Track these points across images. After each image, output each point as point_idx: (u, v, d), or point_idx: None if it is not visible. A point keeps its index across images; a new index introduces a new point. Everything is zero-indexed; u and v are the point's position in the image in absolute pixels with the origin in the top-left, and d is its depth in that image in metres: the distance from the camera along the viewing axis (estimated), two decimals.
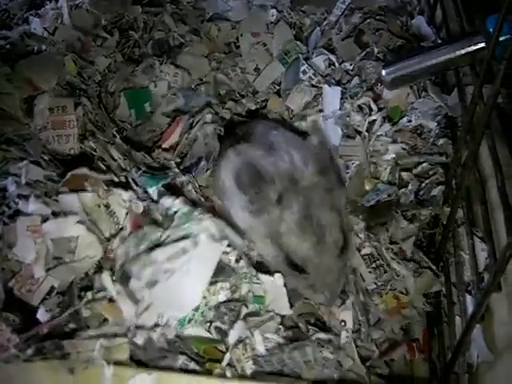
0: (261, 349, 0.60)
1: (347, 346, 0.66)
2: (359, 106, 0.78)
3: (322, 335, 0.65)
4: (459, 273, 0.66)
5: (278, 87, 0.86)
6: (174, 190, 0.67)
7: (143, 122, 0.81)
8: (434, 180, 0.75)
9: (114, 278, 0.60)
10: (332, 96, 0.78)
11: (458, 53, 0.66)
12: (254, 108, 0.86)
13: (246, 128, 0.76)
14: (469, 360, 0.65)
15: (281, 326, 0.63)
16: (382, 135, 0.76)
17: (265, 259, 0.67)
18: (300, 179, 0.66)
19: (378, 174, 0.74)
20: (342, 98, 0.78)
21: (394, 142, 0.75)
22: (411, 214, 0.74)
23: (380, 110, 0.77)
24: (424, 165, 0.74)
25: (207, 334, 0.61)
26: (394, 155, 0.74)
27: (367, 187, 0.73)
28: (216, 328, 0.61)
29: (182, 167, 0.74)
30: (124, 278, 0.60)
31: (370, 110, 0.77)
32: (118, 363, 0.54)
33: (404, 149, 0.74)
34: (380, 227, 0.72)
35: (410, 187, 0.75)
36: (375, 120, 0.76)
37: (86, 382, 0.52)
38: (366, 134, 0.76)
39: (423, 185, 0.76)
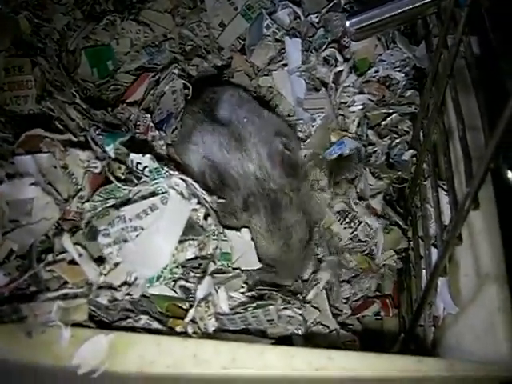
0: (224, 307, 0.59)
1: (317, 298, 0.67)
2: (324, 58, 0.75)
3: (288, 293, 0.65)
4: (425, 226, 0.66)
5: (243, 42, 0.83)
6: (141, 146, 0.65)
7: (106, 80, 0.79)
8: (404, 139, 0.74)
9: (78, 236, 0.59)
10: (293, 48, 0.76)
11: (423, 1, 0.64)
12: (219, 64, 0.84)
13: (212, 95, 0.76)
14: (435, 313, 0.65)
15: (245, 285, 0.62)
16: (348, 86, 0.74)
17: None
18: (267, 182, 0.67)
19: (345, 127, 0.73)
20: (307, 51, 0.76)
21: (361, 92, 0.73)
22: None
23: (346, 60, 0.75)
24: (393, 116, 0.73)
25: (172, 293, 0.60)
26: (361, 106, 0.73)
27: (333, 139, 0.72)
28: (181, 287, 0.60)
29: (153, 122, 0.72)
30: (91, 235, 0.58)
31: (336, 61, 0.75)
32: (76, 325, 0.53)
33: (371, 100, 0.73)
34: (346, 183, 0.71)
35: (380, 147, 0.74)
36: (341, 71, 0.74)
37: (43, 344, 0.51)
38: (333, 85, 0.74)
39: (394, 144, 0.75)
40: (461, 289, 0.61)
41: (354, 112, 0.73)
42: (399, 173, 0.74)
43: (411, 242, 0.72)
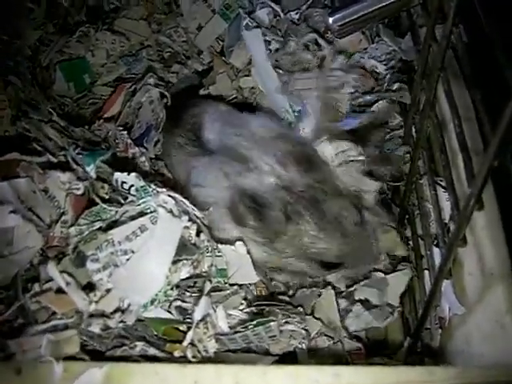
0: (224, 326, 0.57)
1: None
2: (305, 44, 0.74)
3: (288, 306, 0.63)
4: (425, 225, 0.64)
5: (222, 43, 0.81)
6: (124, 164, 0.63)
7: (84, 94, 0.76)
8: (396, 134, 0.72)
9: (65, 263, 0.56)
10: (253, 39, 0.75)
11: None
12: (200, 69, 0.81)
13: (193, 120, 0.72)
14: (441, 314, 0.63)
15: (244, 302, 0.60)
16: (335, 69, 0.73)
17: (298, 275, 0.66)
18: (293, 186, 0.63)
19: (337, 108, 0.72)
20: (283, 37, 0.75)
21: (349, 73, 0.72)
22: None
23: (330, 43, 0.74)
24: (381, 102, 0.71)
25: (168, 315, 0.58)
26: (352, 89, 0.71)
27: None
28: (177, 307, 0.58)
29: (132, 138, 0.69)
30: (79, 261, 0.55)
31: (319, 46, 0.74)
32: (68, 358, 0.51)
33: (359, 86, 0.71)
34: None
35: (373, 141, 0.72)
36: (325, 56, 0.72)
37: (34, 382, 0.49)
38: (317, 71, 0.73)
39: (387, 138, 0.73)
40: (466, 288, 0.59)
41: (344, 94, 0.71)
42: (389, 167, 0.72)
43: (410, 242, 0.70)
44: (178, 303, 0.58)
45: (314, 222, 0.62)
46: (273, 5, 0.78)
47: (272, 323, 0.58)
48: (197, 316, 0.55)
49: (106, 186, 0.60)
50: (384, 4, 0.63)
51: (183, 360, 0.54)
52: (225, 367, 0.51)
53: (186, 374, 0.50)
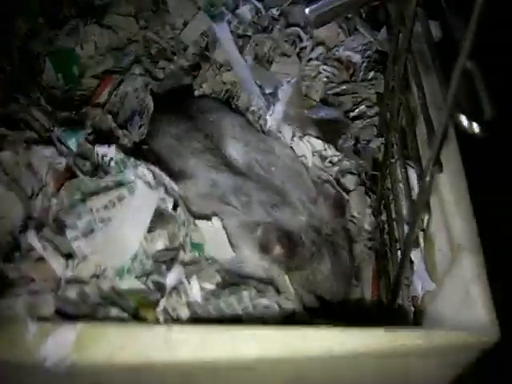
0: (197, 296, 0.58)
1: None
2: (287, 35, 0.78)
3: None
4: (397, 206, 0.66)
5: (206, 39, 0.83)
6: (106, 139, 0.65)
7: (73, 86, 0.79)
8: (371, 123, 0.75)
9: (45, 233, 0.57)
10: (222, 31, 0.79)
11: None
12: (186, 65, 0.84)
13: (211, 127, 0.73)
14: (413, 293, 0.64)
15: (217, 273, 0.61)
16: (312, 59, 0.76)
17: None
18: (322, 228, 0.67)
19: (310, 96, 0.75)
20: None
21: (325, 64, 0.75)
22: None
23: (309, 36, 0.77)
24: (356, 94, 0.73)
25: (143, 287, 0.59)
26: (325, 79, 0.74)
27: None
28: (153, 282, 0.59)
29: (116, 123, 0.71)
30: (58, 229, 0.57)
31: (300, 38, 0.77)
32: (43, 319, 0.52)
33: (334, 75, 0.73)
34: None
35: (350, 131, 0.74)
36: (305, 47, 0.76)
37: (8, 339, 0.50)
38: (297, 59, 0.76)
39: (362, 127, 0.75)
40: (436, 264, 0.60)
41: (318, 83, 0.74)
42: (362, 161, 0.74)
43: (386, 227, 0.71)
44: (155, 277, 0.59)
45: (330, 265, 0.66)
46: (255, 2, 0.81)
47: (244, 292, 0.59)
48: (169, 281, 0.56)
49: (88, 163, 0.62)
50: None
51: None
52: (194, 327, 0.51)
53: (156, 333, 0.51)
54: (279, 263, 0.64)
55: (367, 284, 0.74)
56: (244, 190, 0.67)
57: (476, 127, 0.38)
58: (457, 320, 0.54)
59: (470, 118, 0.38)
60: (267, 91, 0.76)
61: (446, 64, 0.49)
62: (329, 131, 0.74)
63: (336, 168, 0.73)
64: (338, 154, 0.72)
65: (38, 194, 0.60)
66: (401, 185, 0.66)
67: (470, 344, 0.51)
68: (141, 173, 0.59)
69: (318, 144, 0.72)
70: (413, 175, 0.62)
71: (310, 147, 0.72)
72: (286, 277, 0.64)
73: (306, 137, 0.72)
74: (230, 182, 0.67)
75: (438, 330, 0.52)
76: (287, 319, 0.62)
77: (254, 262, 0.65)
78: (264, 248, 0.64)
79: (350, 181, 0.73)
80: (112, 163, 0.60)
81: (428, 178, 0.49)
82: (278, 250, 0.63)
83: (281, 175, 0.69)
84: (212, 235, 0.62)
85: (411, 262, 0.63)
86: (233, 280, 0.62)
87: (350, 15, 0.78)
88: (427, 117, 0.52)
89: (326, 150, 0.72)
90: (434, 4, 0.52)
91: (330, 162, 0.73)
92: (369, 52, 0.76)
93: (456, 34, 0.41)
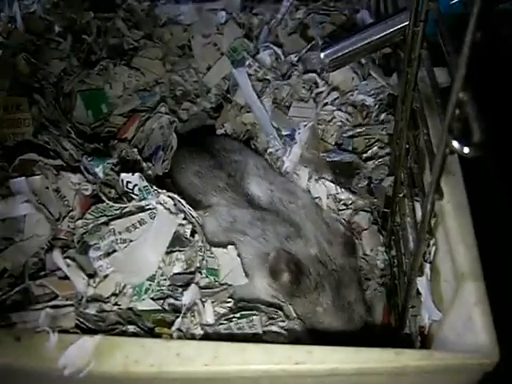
0: (210, 318, 0.61)
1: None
2: (304, 81, 0.82)
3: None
4: (405, 239, 0.68)
5: (228, 83, 0.88)
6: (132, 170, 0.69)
7: (101, 123, 0.84)
8: (383, 162, 0.78)
9: (69, 253, 0.61)
10: (240, 76, 0.83)
11: (388, 30, 0.69)
12: (208, 107, 0.89)
13: (234, 166, 0.77)
14: (420, 323, 0.66)
15: (231, 299, 0.64)
16: (327, 103, 0.79)
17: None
18: (329, 263, 0.69)
19: (325, 139, 0.78)
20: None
21: (339, 110, 0.79)
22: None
23: (326, 82, 0.81)
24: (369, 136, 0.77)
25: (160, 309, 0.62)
26: (340, 123, 0.78)
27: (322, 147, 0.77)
28: (170, 304, 0.62)
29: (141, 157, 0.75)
30: (82, 250, 0.62)
31: (316, 84, 0.82)
32: (64, 331, 0.56)
33: (348, 120, 0.77)
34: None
35: (363, 171, 0.78)
36: (322, 92, 0.80)
37: (31, 348, 0.53)
38: (313, 104, 0.80)
39: (374, 167, 0.78)
40: (442, 294, 0.63)
41: (333, 126, 0.78)
42: (376, 200, 0.77)
43: (395, 261, 0.74)
44: (172, 300, 0.62)
45: (331, 299, 0.67)
46: (275, 48, 0.86)
47: (254, 317, 0.62)
48: (185, 300, 0.60)
49: (113, 190, 0.67)
50: (369, 40, 0.71)
51: None
52: (206, 343, 0.55)
53: (169, 347, 0.54)
54: (285, 290, 0.67)
55: (378, 319, 0.76)
56: (261, 222, 0.70)
57: (466, 150, 0.41)
58: (459, 344, 0.56)
59: (462, 143, 0.42)
60: (284, 134, 0.80)
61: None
62: (343, 172, 0.77)
63: (349, 210, 0.76)
64: (351, 197, 0.76)
65: (64, 217, 0.64)
66: (409, 219, 0.68)
67: (470, 365, 0.52)
68: (162, 199, 0.63)
69: (333, 188, 0.76)
70: (420, 209, 0.65)
71: (325, 190, 0.76)
72: (291, 307, 0.67)
73: (322, 180, 0.76)
74: (249, 216, 0.71)
75: (440, 352, 0.54)
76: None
77: (264, 289, 0.67)
78: (273, 273, 0.66)
79: (363, 218, 0.76)
80: (136, 190, 0.64)
81: (429, 205, 0.52)
82: (285, 275, 0.66)
83: (299, 212, 0.72)
84: (227, 262, 0.65)
85: (418, 293, 0.65)
86: (244, 305, 0.64)
87: (363, 61, 0.82)
88: (430, 150, 0.55)
89: (339, 193, 0.76)
90: (440, 51, 0.56)
91: (344, 204, 0.76)
92: (381, 95, 0.80)
93: (452, 70, 0.45)
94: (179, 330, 0.59)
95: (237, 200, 0.73)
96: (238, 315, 0.62)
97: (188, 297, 0.60)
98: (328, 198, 0.76)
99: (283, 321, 0.65)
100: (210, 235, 0.68)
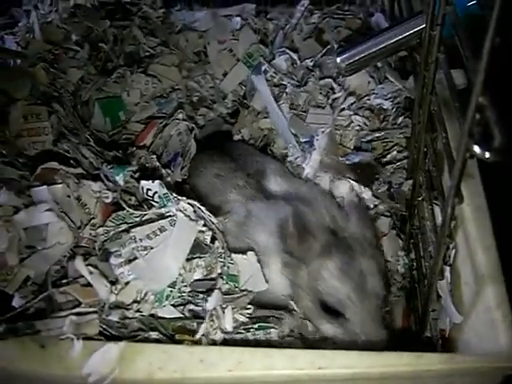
0: (228, 326, 0.61)
1: None
2: (320, 87, 0.82)
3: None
4: (424, 242, 0.68)
5: (244, 88, 0.89)
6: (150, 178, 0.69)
7: (119, 130, 0.84)
8: (401, 166, 0.78)
9: (91, 261, 0.62)
10: (259, 82, 0.84)
11: (404, 34, 0.69)
12: (225, 112, 0.89)
13: (256, 166, 0.78)
14: (441, 326, 0.66)
15: (250, 306, 0.64)
16: (344, 108, 0.80)
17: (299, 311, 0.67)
18: (340, 232, 0.68)
19: (344, 144, 0.79)
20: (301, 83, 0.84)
21: (357, 114, 0.79)
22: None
23: (342, 87, 0.82)
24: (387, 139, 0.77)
25: (180, 315, 0.62)
26: (358, 127, 0.78)
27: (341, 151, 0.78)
28: (190, 311, 0.62)
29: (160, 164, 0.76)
30: (104, 257, 0.62)
31: (333, 89, 0.82)
32: (88, 338, 0.56)
33: (366, 124, 0.78)
34: None
35: (382, 176, 0.78)
36: (338, 97, 0.80)
37: (56, 355, 0.54)
38: (330, 110, 0.80)
39: (392, 171, 0.78)
40: (463, 297, 0.63)
41: (351, 131, 0.78)
42: (398, 205, 0.77)
43: (414, 263, 0.74)
44: (192, 307, 0.63)
45: (338, 262, 0.65)
46: (291, 53, 0.87)
47: (272, 330, 0.62)
48: (209, 306, 0.60)
49: (133, 198, 0.67)
50: (385, 44, 0.71)
51: None
52: (229, 348, 0.55)
53: (192, 353, 0.55)
54: (291, 253, 0.66)
55: (398, 323, 0.76)
56: (275, 206, 0.70)
57: (487, 154, 0.41)
58: (481, 347, 0.57)
59: (483, 147, 0.42)
60: (303, 140, 0.81)
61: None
62: (363, 177, 0.78)
63: (372, 212, 0.76)
64: (374, 199, 0.76)
65: (86, 225, 0.65)
66: (428, 222, 0.69)
67: (491, 368, 0.53)
68: (182, 207, 0.64)
69: (356, 185, 0.76)
70: (439, 212, 0.65)
71: (348, 186, 0.75)
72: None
73: (345, 179, 0.76)
74: (264, 206, 0.71)
75: (462, 355, 0.54)
76: None
77: (275, 265, 0.67)
78: (282, 231, 0.66)
79: (384, 224, 0.76)
80: (156, 197, 0.64)
81: (449, 209, 0.52)
82: (292, 234, 0.65)
83: (313, 194, 0.72)
84: (247, 268, 0.66)
85: (439, 296, 0.65)
86: (262, 315, 0.64)
87: (379, 64, 0.82)
88: (449, 153, 0.55)
89: (362, 191, 0.76)
90: (457, 52, 0.56)
91: (367, 207, 0.77)
92: (398, 99, 0.80)
93: (471, 74, 0.45)
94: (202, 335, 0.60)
95: (254, 196, 0.73)
96: (256, 326, 0.62)
97: (212, 302, 0.60)
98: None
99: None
100: (226, 232, 0.68)
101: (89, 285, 0.61)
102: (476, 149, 0.43)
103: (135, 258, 0.61)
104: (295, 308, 0.67)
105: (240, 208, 0.72)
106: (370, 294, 0.64)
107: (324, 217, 0.69)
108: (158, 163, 0.74)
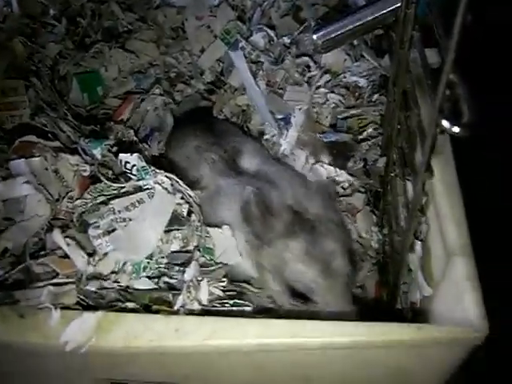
0: (204, 299, 0.62)
1: None
2: (297, 64, 0.83)
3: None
4: (397, 219, 0.70)
5: (222, 65, 0.89)
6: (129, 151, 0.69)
7: (97, 105, 0.84)
8: (376, 142, 0.79)
9: (69, 233, 0.63)
10: (237, 58, 0.85)
11: (380, 12, 0.70)
12: (202, 88, 0.90)
13: (234, 144, 0.78)
14: (412, 299, 0.68)
15: (225, 279, 0.65)
16: (320, 86, 0.81)
17: (267, 294, 0.68)
18: (305, 212, 0.68)
19: (320, 121, 0.80)
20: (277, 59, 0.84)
21: (332, 92, 0.80)
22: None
23: (318, 64, 0.83)
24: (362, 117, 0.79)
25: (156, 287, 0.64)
26: (333, 105, 0.79)
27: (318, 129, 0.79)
28: (165, 283, 0.64)
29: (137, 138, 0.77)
30: (82, 229, 0.63)
31: (309, 67, 0.83)
32: (65, 308, 0.57)
33: (342, 102, 0.79)
34: None
35: (358, 154, 0.79)
36: (315, 75, 0.81)
37: (34, 324, 0.55)
38: (307, 87, 0.81)
39: (367, 148, 0.80)
40: (433, 271, 0.64)
41: (327, 109, 0.79)
42: (372, 181, 0.78)
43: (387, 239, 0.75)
44: (167, 279, 0.64)
45: (303, 245, 0.65)
46: (268, 30, 0.87)
47: (246, 308, 0.63)
48: (187, 276, 0.61)
49: (110, 171, 0.68)
50: (362, 22, 0.72)
51: None
52: (204, 318, 0.57)
53: (168, 323, 0.56)
54: (255, 233, 0.66)
55: (371, 295, 0.77)
56: (243, 184, 0.70)
57: (456, 129, 0.43)
58: (450, 318, 0.58)
59: (452, 122, 0.43)
60: (279, 117, 0.82)
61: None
62: (340, 153, 0.79)
63: (347, 189, 0.77)
64: (350, 178, 0.77)
65: (63, 198, 0.65)
66: (400, 198, 0.70)
67: (460, 339, 0.54)
68: (160, 180, 0.65)
69: (332, 170, 0.77)
70: (411, 188, 0.67)
71: (324, 173, 0.77)
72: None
73: (320, 163, 0.77)
74: (233, 182, 0.72)
75: (431, 326, 0.56)
76: None
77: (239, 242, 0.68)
78: (247, 216, 0.66)
79: (358, 199, 0.77)
80: (134, 170, 0.65)
81: (420, 183, 0.53)
82: (255, 214, 0.65)
83: (280, 174, 0.73)
84: (222, 241, 0.67)
85: (410, 270, 0.67)
86: (238, 291, 0.66)
87: (355, 42, 0.83)
88: (421, 130, 0.56)
89: (338, 175, 0.77)
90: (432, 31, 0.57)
91: (342, 187, 0.78)
92: (374, 77, 0.81)
93: (443, 52, 0.46)
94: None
95: (225, 172, 0.74)
96: (231, 302, 0.63)
97: (190, 273, 0.61)
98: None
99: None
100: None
101: (66, 256, 0.62)
102: (445, 123, 0.44)
103: (114, 230, 0.62)
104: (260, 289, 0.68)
105: (211, 183, 0.72)
106: (337, 275, 0.65)
107: (288, 197, 0.69)
108: (135, 137, 0.75)
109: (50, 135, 0.70)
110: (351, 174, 0.77)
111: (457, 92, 0.45)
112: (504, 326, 0.58)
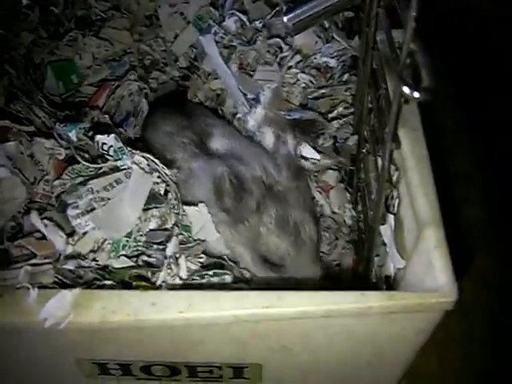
0: (183, 274, 0.63)
1: None
2: (269, 45, 0.85)
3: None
4: (370, 195, 0.71)
5: (195, 51, 0.90)
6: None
7: (72, 93, 0.85)
8: (347, 121, 0.81)
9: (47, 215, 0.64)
10: (207, 42, 0.86)
11: None
12: (177, 75, 0.90)
13: (204, 127, 0.79)
14: (386, 273, 0.69)
15: (203, 255, 0.67)
16: (292, 67, 0.82)
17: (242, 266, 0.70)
18: (275, 185, 0.71)
19: (290, 100, 0.81)
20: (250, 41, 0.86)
21: (303, 72, 0.82)
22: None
23: (290, 46, 0.84)
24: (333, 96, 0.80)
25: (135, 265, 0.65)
26: (304, 85, 0.81)
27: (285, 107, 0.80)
28: (143, 261, 0.65)
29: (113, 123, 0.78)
30: (61, 209, 0.64)
31: (281, 49, 0.84)
32: (43, 287, 0.58)
33: (312, 82, 0.80)
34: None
35: (328, 131, 0.80)
36: (286, 56, 0.83)
37: (12, 304, 0.55)
38: (278, 67, 0.82)
39: (338, 127, 0.81)
40: (405, 244, 0.66)
41: (297, 88, 0.80)
42: (342, 159, 0.80)
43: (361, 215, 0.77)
44: (145, 258, 0.65)
45: (275, 217, 0.68)
46: (240, 15, 0.88)
47: (226, 276, 0.65)
48: (168, 252, 0.63)
49: (86, 155, 0.69)
50: (329, 4, 0.73)
51: None
52: (180, 292, 0.58)
53: (145, 297, 0.57)
54: (227, 211, 0.68)
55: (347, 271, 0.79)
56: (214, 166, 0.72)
57: (416, 94, 0.44)
58: (421, 286, 0.60)
59: (412, 88, 0.45)
60: (250, 97, 0.83)
61: None
62: (306, 132, 0.80)
63: (318, 167, 0.79)
64: (317, 155, 0.78)
65: (40, 181, 0.66)
66: (372, 174, 0.71)
67: (430, 304, 0.56)
68: (136, 160, 0.66)
69: (297, 146, 0.78)
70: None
71: (291, 148, 0.78)
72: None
73: (283, 141, 0.79)
74: (204, 165, 0.73)
75: (402, 292, 0.57)
76: None
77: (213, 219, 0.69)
78: (219, 193, 0.68)
79: (331, 177, 0.79)
80: (111, 151, 0.66)
81: (388, 154, 0.55)
82: (227, 192, 0.68)
83: (247, 150, 0.75)
84: (198, 219, 0.68)
85: (384, 244, 0.68)
86: (217, 263, 0.68)
87: (326, 25, 0.85)
88: (388, 105, 0.57)
89: (304, 152, 0.78)
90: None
91: (312, 163, 0.79)
92: (344, 57, 0.83)
93: (404, 23, 0.48)
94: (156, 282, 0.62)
95: (196, 154, 0.75)
96: (210, 273, 0.65)
97: (171, 248, 0.63)
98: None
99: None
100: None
101: (44, 238, 0.62)
102: (406, 90, 0.46)
103: (93, 209, 0.63)
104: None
105: (184, 167, 0.74)
106: (306, 242, 0.69)
107: (258, 172, 0.71)
108: (110, 122, 0.76)
109: (24, 121, 0.71)
110: (320, 152, 0.78)
111: (416, 60, 0.46)
112: None
